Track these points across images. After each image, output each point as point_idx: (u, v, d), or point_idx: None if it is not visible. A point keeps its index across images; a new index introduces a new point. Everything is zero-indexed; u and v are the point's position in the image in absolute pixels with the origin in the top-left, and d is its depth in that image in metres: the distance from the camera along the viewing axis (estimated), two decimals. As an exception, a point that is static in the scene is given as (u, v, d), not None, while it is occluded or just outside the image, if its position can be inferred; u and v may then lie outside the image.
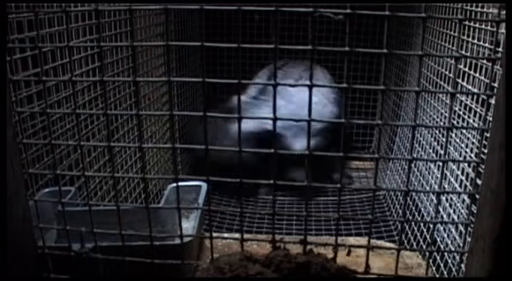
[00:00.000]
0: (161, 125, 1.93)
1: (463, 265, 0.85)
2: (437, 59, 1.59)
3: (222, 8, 0.66)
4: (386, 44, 0.67)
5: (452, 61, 1.37)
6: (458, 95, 1.30)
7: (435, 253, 1.28)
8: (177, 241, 0.82)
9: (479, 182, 0.74)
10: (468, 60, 1.27)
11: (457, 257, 1.16)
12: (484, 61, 1.16)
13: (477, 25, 1.22)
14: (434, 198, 1.51)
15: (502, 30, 0.79)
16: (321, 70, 2.41)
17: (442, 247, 1.34)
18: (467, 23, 1.25)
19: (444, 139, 1.47)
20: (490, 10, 1.13)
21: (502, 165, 0.64)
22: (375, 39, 2.50)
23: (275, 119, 0.70)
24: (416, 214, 1.64)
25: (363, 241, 1.19)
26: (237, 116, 0.69)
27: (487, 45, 1.17)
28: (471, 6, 1.23)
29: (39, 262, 0.83)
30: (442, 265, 1.24)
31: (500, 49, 0.78)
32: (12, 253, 0.74)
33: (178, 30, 2.16)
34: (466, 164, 1.24)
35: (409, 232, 1.59)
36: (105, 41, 1.46)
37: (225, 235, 1.15)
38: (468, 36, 1.27)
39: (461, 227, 1.22)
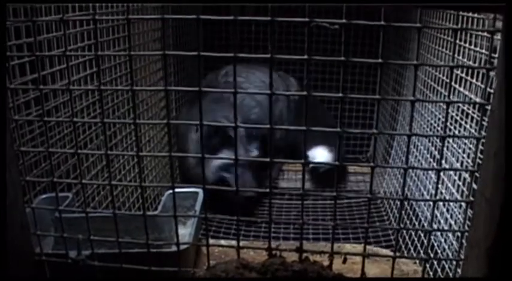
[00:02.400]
0: (159, 130, 1.93)
1: (459, 270, 0.85)
2: (432, 63, 1.60)
3: (218, 19, 0.66)
4: (381, 53, 0.67)
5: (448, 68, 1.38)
6: (454, 99, 1.30)
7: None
8: (174, 248, 0.82)
9: (475, 187, 0.74)
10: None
11: (454, 263, 1.17)
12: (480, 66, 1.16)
13: (473, 31, 1.22)
14: (431, 203, 1.51)
15: (498, 36, 0.80)
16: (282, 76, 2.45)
17: (439, 251, 1.34)
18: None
19: (440, 143, 1.47)
20: (482, 16, 1.13)
21: (497, 174, 0.64)
22: (372, 44, 2.51)
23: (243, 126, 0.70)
24: (413, 218, 1.64)
25: (359, 247, 1.19)
26: (233, 124, 0.69)
27: (483, 51, 1.17)
28: (467, 12, 1.23)
29: (37, 269, 0.83)
30: (439, 270, 1.24)
31: (495, 55, 0.78)
32: (11, 260, 0.74)
33: (176, 35, 2.16)
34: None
35: (406, 237, 1.59)
36: (102, 46, 1.46)
37: (222, 241, 1.15)
38: (465, 41, 1.27)
39: (458, 232, 1.22)
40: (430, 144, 1.60)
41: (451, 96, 0.74)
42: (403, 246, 1.59)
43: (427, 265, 1.26)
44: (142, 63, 1.76)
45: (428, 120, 1.66)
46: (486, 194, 0.67)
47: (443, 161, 1.34)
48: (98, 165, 1.48)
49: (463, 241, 0.81)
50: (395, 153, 2.12)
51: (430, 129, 1.64)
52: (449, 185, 1.33)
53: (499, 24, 0.66)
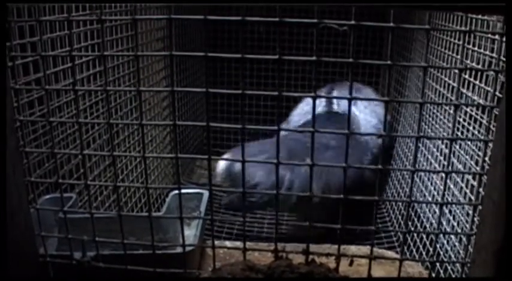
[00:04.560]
0: (161, 129, 1.93)
1: (464, 275, 0.85)
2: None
3: (226, 19, 0.66)
4: (390, 54, 0.67)
5: (456, 71, 1.37)
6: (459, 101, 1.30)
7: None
8: (179, 249, 0.82)
9: (481, 190, 0.74)
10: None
11: (458, 265, 1.16)
12: (485, 68, 1.16)
13: (482, 33, 1.22)
14: (435, 206, 1.51)
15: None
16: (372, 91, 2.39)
17: (441, 253, 1.34)
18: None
19: (445, 148, 1.47)
20: (493, 18, 1.13)
21: (505, 177, 0.64)
22: (374, 45, 2.51)
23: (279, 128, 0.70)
24: (415, 219, 1.64)
25: (364, 249, 1.19)
26: (239, 126, 0.69)
27: (487, 52, 1.17)
28: (464, 13, 1.23)
29: (42, 270, 0.83)
30: (441, 271, 1.24)
31: (502, 57, 0.78)
32: (15, 262, 0.74)
33: (180, 34, 2.16)
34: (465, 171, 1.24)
35: (409, 239, 1.59)
36: (106, 45, 1.45)
37: (227, 243, 1.14)
38: (469, 43, 1.27)
39: (464, 235, 1.22)
40: (432, 146, 1.60)
41: (456, 98, 0.74)
42: (405, 247, 1.59)
43: (429, 266, 1.26)
44: (145, 62, 1.76)
45: (432, 124, 1.66)
46: (494, 197, 0.66)
47: (445, 162, 1.34)
48: (100, 165, 1.47)
49: (469, 244, 0.81)
50: (396, 154, 2.12)
51: (432, 131, 1.64)
52: (452, 187, 1.33)
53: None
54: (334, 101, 2.20)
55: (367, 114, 2.15)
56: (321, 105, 2.19)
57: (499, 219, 0.66)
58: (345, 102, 2.12)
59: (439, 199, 1.20)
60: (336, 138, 1.79)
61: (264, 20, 0.66)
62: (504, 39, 0.67)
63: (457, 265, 1.18)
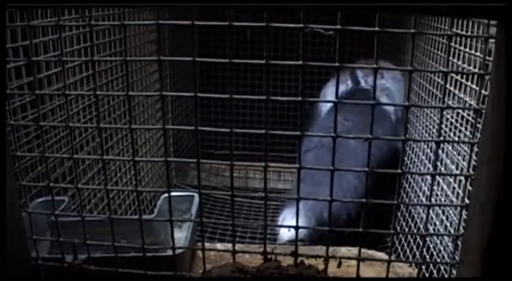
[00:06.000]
0: (155, 132, 1.93)
1: (454, 272, 0.85)
2: (428, 66, 1.60)
3: (213, 24, 0.67)
4: (376, 58, 0.67)
5: (444, 71, 1.38)
6: (450, 102, 1.30)
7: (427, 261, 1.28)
8: (170, 252, 0.82)
9: (470, 189, 0.75)
10: (460, 69, 1.28)
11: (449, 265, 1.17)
12: (476, 70, 1.17)
13: (468, 33, 1.22)
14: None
15: (493, 40, 0.80)
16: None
17: (434, 253, 1.34)
18: (458, 30, 1.26)
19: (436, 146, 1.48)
20: (480, 20, 1.14)
21: (491, 178, 0.65)
22: (368, 46, 2.51)
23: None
24: (409, 219, 1.65)
25: (354, 250, 1.19)
26: (228, 130, 0.69)
27: (478, 54, 1.18)
28: (463, 19, 1.24)
29: (33, 273, 0.83)
30: (435, 271, 1.25)
31: (490, 58, 0.79)
32: (7, 265, 0.74)
33: (172, 37, 2.16)
34: (458, 172, 1.24)
35: (402, 239, 1.60)
36: (98, 48, 1.46)
37: (218, 245, 1.15)
38: (460, 44, 1.28)
39: (453, 236, 1.22)
40: (425, 146, 1.61)
41: (446, 100, 0.75)
42: (399, 248, 1.59)
43: (423, 267, 1.27)
44: (138, 65, 1.76)
45: (423, 122, 1.67)
46: (480, 198, 0.67)
47: (438, 163, 1.35)
48: (94, 167, 1.48)
49: (458, 240, 0.81)
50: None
51: (426, 132, 1.64)
52: (445, 187, 1.34)
53: (492, 30, 0.66)
54: (360, 78, 2.20)
55: (395, 85, 2.17)
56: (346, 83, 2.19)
57: (485, 220, 0.66)
58: (371, 78, 2.12)
59: (432, 200, 1.21)
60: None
61: (251, 25, 0.67)
62: (490, 41, 0.68)
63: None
